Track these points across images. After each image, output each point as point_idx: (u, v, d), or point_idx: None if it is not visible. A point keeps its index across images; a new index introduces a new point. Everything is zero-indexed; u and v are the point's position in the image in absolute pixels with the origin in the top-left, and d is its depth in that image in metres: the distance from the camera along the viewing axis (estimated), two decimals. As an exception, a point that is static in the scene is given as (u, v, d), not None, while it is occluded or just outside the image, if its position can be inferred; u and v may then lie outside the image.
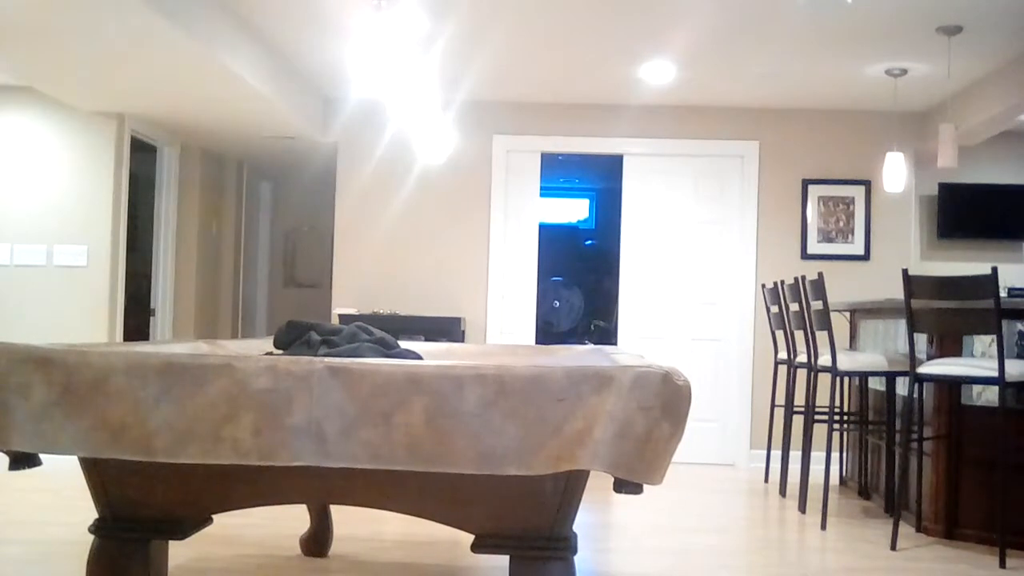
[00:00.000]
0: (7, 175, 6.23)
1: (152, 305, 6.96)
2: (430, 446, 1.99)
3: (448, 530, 4.13)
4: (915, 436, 4.36)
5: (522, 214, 6.77)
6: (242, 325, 8.39)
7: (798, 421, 6.00)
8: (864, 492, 5.38)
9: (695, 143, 6.73)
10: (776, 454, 6.00)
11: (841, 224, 6.69)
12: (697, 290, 6.75)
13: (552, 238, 9.33)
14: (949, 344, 4.39)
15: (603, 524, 4.66)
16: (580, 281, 9.82)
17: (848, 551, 4.14)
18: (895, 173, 5.77)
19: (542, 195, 7.09)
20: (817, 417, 5.06)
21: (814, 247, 6.69)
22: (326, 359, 2.07)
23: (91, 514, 2.33)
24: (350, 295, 6.72)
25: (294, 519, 4.33)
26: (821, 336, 4.95)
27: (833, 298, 6.33)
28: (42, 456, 2.12)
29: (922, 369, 4.13)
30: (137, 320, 6.81)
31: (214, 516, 2.39)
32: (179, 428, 2.00)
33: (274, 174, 8.98)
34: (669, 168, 6.77)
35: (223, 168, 7.88)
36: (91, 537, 2.32)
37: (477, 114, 6.75)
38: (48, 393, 2.03)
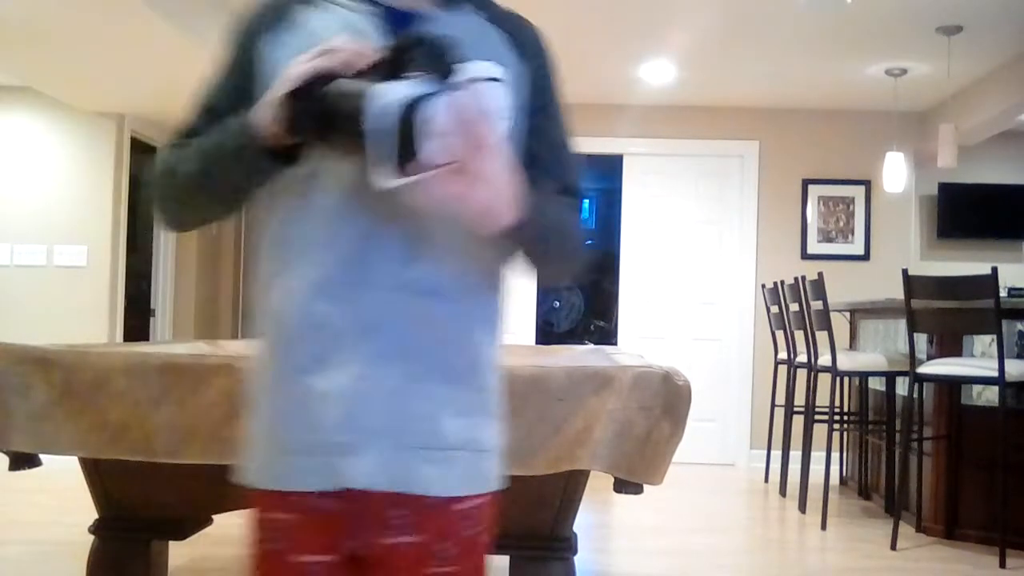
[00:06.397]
0: (7, 175, 6.23)
1: (152, 305, 6.96)
2: (430, 446, 1.98)
3: (448, 530, 4.12)
4: (915, 436, 4.36)
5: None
6: (242, 325, 8.38)
7: (798, 421, 6.00)
8: (864, 492, 5.38)
9: (695, 143, 6.72)
10: (776, 454, 5.99)
11: (841, 224, 6.69)
12: (697, 290, 6.75)
13: (552, 238, 9.30)
14: (949, 344, 4.39)
15: (603, 524, 4.66)
16: (580, 281, 9.82)
17: (848, 551, 4.14)
18: (895, 173, 5.77)
19: (542, 195, 7.07)
20: (817, 417, 5.06)
21: (814, 247, 6.69)
22: (326, 359, 2.06)
23: (91, 514, 2.33)
24: (350, 295, 6.72)
25: (294, 519, 4.31)
26: (821, 336, 4.94)
27: (833, 298, 6.32)
28: (42, 456, 2.12)
29: (922, 369, 4.13)
30: (137, 320, 6.81)
31: (214, 516, 2.39)
32: (179, 428, 2.00)
33: (274, 174, 8.97)
34: (669, 168, 6.77)
35: (223, 168, 7.87)
36: (91, 537, 2.31)
37: (477, 114, 6.74)
38: (48, 393, 2.03)
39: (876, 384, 5.27)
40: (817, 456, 4.99)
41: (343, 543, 1.20)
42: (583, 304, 9.81)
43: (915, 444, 4.42)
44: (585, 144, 7.39)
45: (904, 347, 4.47)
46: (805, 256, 6.66)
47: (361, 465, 1.16)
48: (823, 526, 4.51)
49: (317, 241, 1.19)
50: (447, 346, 1.20)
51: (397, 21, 1.20)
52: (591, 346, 3.66)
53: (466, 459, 1.21)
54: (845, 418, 5.58)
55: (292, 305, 1.19)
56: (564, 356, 3.45)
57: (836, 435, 5.70)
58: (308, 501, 1.18)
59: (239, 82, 1.23)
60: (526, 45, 1.30)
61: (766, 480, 5.93)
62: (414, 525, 1.19)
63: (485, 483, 1.23)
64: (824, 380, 4.84)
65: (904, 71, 5.66)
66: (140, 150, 6.74)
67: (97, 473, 2.26)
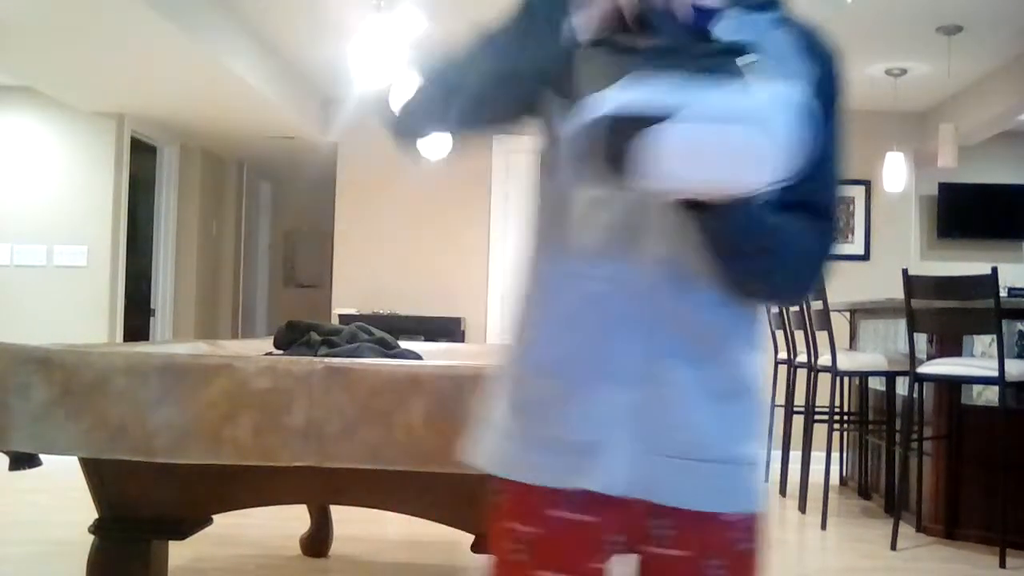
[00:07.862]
0: (7, 175, 6.23)
1: (152, 305, 6.96)
2: (430, 446, 1.98)
3: (448, 530, 4.12)
4: (915, 436, 4.36)
5: (522, 214, 6.77)
6: (242, 325, 8.39)
7: (798, 421, 6.00)
8: (864, 492, 5.38)
9: (695, 143, 6.71)
10: (776, 454, 5.99)
11: (841, 224, 6.69)
12: (697, 290, 6.74)
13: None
14: (949, 344, 4.39)
15: (603, 524, 4.66)
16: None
17: (848, 551, 4.14)
18: (895, 173, 5.77)
19: (542, 195, 7.08)
20: (817, 417, 5.06)
21: (814, 247, 6.68)
22: (326, 359, 2.07)
23: (91, 514, 2.33)
24: (350, 295, 6.72)
25: (294, 519, 4.32)
26: (821, 336, 4.94)
27: (833, 298, 6.33)
28: (42, 456, 2.12)
29: (922, 369, 4.13)
30: (137, 320, 6.81)
31: (214, 516, 2.39)
32: (179, 428, 2.00)
33: (274, 174, 8.98)
34: (669, 168, 6.76)
35: (223, 168, 7.88)
36: (91, 537, 2.31)
37: (477, 114, 6.74)
38: (48, 393, 2.02)
39: (876, 384, 5.27)
40: (817, 456, 4.99)
41: (605, 549, 1.16)
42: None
43: (915, 444, 4.42)
44: (585, 144, 7.37)
45: (904, 347, 4.47)
46: (805, 256, 6.65)
47: (604, 469, 1.11)
48: (823, 526, 4.51)
49: (578, 244, 1.16)
50: (708, 354, 1.15)
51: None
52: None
53: (726, 473, 1.15)
54: (845, 418, 5.57)
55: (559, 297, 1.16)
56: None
57: (836, 435, 5.70)
58: (563, 507, 1.14)
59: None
60: (814, 48, 1.25)
61: (766, 480, 5.93)
62: (677, 538, 1.15)
63: (747, 501, 1.17)
64: (824, 380, 4.84)
65: (904, 71, 5.66)
66: (140, 150, 6.74)
67: (97, 473, 2.26)
